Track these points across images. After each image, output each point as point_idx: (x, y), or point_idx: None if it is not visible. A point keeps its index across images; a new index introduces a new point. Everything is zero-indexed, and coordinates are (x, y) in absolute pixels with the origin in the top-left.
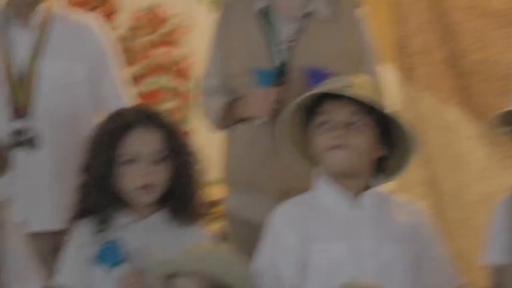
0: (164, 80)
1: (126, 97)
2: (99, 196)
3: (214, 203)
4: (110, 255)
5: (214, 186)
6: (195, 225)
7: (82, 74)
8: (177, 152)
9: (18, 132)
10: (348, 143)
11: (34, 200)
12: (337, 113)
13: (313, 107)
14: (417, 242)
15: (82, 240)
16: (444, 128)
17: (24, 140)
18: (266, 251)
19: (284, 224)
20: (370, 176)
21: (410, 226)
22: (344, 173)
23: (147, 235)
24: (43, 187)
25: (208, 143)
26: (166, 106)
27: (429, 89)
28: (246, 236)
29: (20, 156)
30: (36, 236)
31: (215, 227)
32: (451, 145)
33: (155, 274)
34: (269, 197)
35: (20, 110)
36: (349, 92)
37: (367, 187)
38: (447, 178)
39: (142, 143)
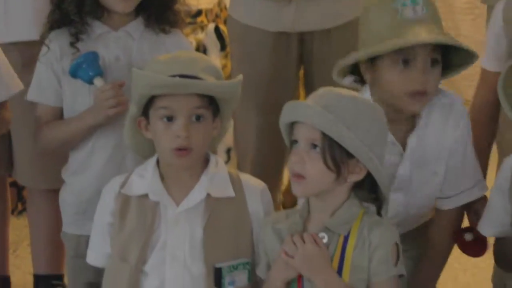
0: None
1: None
2: (75, 3)
3: (199, 13)
4: (88, 67)
5: None
6: (175, 34)
7: None
8: None
9: None
10: None
11: (8, 8)
12: None
13: None
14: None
15: (57, 51)
16: None
17: None
18: None
19: None
20: None
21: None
22: None
23: (124, 45)
24: None
25: None
26: None
27: None
28: (249, 38)
29: None
30: (10, 47)
31: (200, 37)
32: None
33: (136, 96)
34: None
35: None
36: None
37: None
38: None
39: None
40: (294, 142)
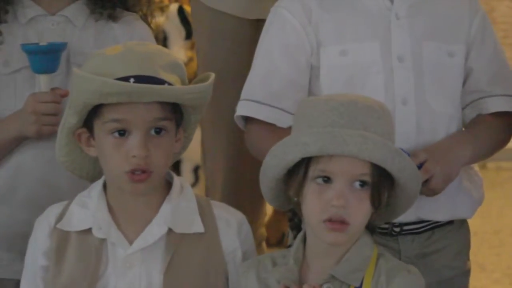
0: None
1: None
2: None
3: None
4: (46, 59)
5: None
6: (130, 22)
7: None
8: None
9: None
10: None
11: None
12: None
13: None
14: (469, 42)
15: None
16: None
17: None
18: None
19: (291, 16)
20: None
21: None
22: None
23: (62, 34)
24: None
25: None
26: None
27: None
28: (220, 27)
29: None
30: None
31: (159, 20)
32: None
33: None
34: None
35: None
36: None
37: None
38: None
39: None
40: (323, 178)
